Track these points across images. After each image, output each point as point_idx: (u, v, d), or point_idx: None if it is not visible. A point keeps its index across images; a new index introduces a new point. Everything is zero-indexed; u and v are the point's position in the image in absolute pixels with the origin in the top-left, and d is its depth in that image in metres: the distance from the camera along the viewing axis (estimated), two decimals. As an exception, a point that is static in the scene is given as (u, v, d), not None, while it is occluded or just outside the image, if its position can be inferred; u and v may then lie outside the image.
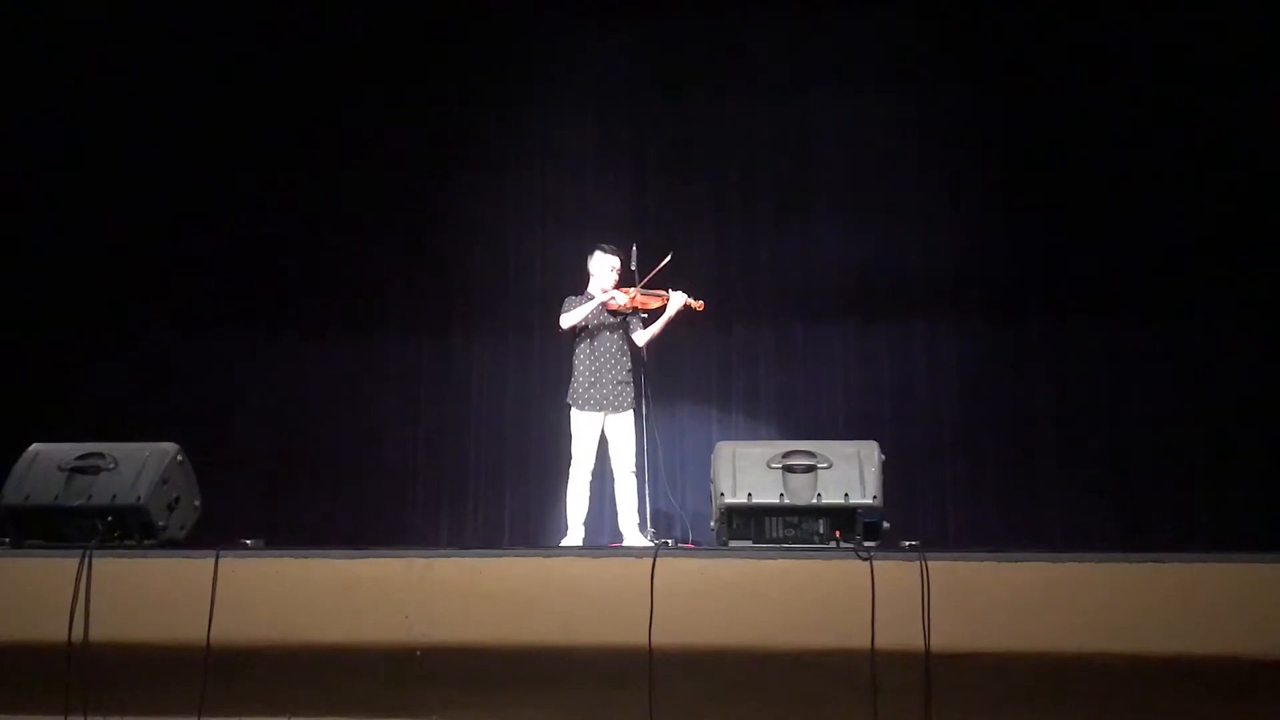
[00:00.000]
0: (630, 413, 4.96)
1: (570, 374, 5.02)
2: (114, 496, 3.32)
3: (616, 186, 6.61)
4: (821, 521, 3.19)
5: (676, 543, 4.87)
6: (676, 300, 4.91)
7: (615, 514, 4.97)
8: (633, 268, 4.97)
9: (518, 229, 6.68)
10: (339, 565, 3.10)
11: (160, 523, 3.37)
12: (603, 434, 4.93)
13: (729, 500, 3.19)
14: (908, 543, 3.07)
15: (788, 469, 3.21)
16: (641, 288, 4.94)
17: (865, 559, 2.87)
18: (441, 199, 6.67)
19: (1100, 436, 6.05)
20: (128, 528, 3.34)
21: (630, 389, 4.98)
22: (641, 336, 5.01)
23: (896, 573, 2.85)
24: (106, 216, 6.52)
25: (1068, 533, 5.80)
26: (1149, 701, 2.81)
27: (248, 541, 3.43)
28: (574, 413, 4.95)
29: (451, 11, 6.60)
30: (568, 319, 4.97)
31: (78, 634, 2.99)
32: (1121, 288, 6.13)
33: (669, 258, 4.91)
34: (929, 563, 2.84)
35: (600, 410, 4.91)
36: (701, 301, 4.97)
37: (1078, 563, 2.87)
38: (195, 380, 6.48)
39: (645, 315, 5.03)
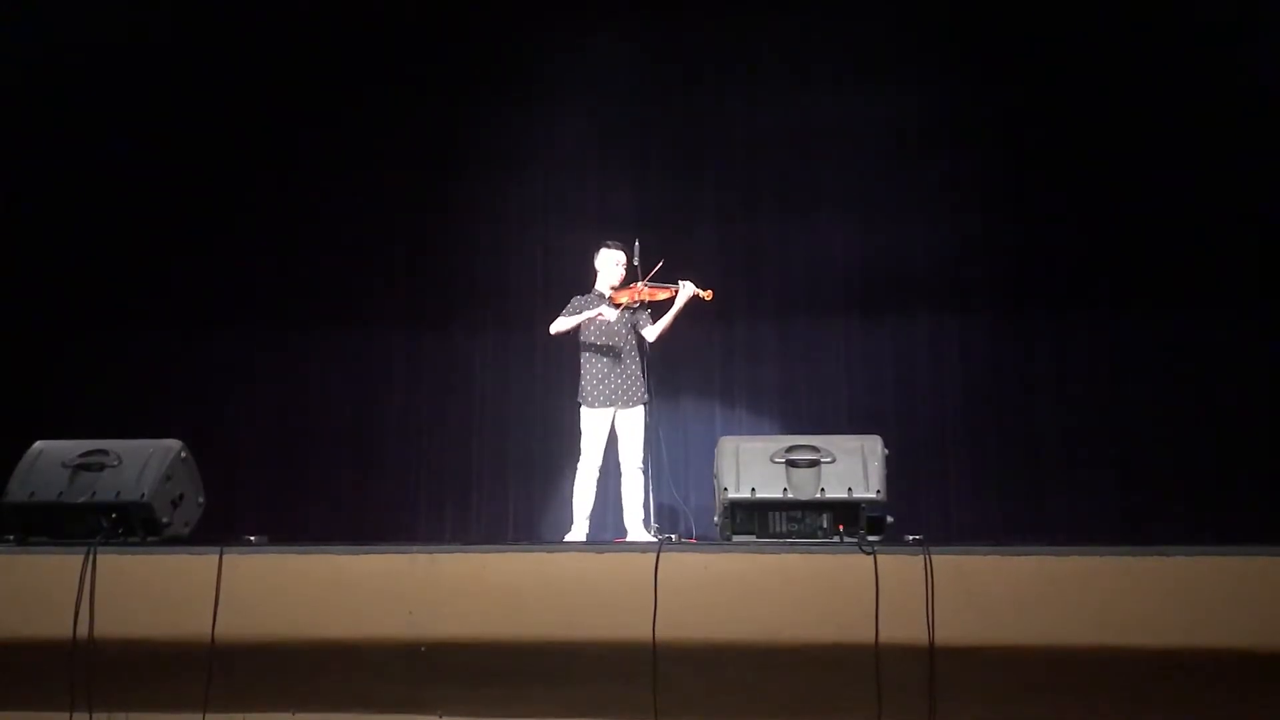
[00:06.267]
0: (641, 408, 4.91)
1: (579, 372, 4.97)
2: (118, 493, 3.32)
3: (619, 182, 6.60)
4: (825, 516, 3.18)
5: (680, 538, 4.87)
6: (685, 291, 4.82)
7: (619, 509, 4.96)
8: (635, 263, 4.91)
9: (520, 225, 6.69)
10: (342, 561, 3.10)
11: (164, 519, 3.37)
12: (612, 429, 4.90)
13: (732, 495, 3.18)
14: (911, 537, 3.06)
15: (791, 464, 3.21)
16: (647, 282, 4.86)
17: (869, 553, 2.87)
18: (443, 195, 6.67)
19: (1103, 430, 6.04)
20: (132, 524, 3.34)
21: (641, 384, 4.92)
22: (651, 332, 4.94)
23: (900, 567, 2.85)
24: (110, 214, 6.53)
25: (1071, 526, 5.80)
26: (1152, 694, 2.81)
27: (251, 538, 3.43)
28: (584, 410, 4.91)
29: (454, 7, 6.60)
30: (556, 325, 4.92)
31: (82, 630, 3.00)
32: (1125, 282, 6.13)
33: (660, 264, 4.81)
34: (933, 557, 2.84)
35: (610, 406, 4.88)
36: (710, 290, 4.85)
37: (1081, 556, 2.87)
38: (199, 377, 6.51)
39: (651, 308, 4.96)
